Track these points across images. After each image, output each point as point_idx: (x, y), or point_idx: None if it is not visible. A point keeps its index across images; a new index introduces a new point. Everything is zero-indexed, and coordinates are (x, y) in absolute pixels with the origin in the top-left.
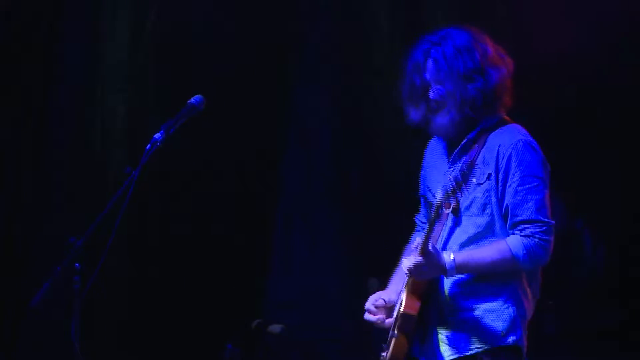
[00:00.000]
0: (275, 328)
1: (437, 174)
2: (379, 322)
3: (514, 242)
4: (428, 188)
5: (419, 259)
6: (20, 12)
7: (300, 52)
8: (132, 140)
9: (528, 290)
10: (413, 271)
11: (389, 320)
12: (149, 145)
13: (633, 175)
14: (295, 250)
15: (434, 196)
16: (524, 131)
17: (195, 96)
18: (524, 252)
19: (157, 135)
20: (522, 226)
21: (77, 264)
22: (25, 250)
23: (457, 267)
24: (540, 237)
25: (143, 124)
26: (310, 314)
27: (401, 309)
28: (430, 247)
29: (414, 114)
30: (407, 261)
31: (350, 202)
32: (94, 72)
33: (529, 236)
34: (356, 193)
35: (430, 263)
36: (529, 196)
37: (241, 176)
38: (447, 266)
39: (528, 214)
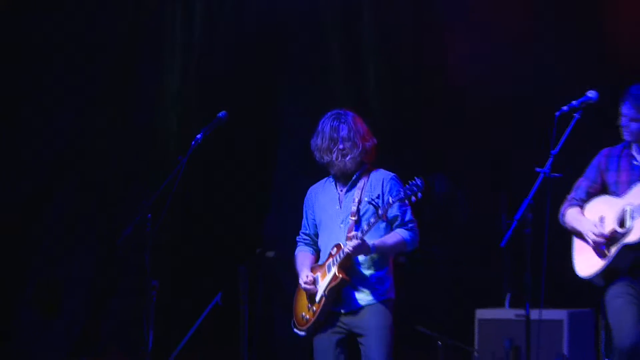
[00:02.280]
0: (270, 254)
1: (329, 204)
2: (312, 289)
3: (403, 232)
4: (321, 212)
5: (359, 242)
6: (106, 58)
7: (288, 80)
8: (182, 139)
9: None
10: (355, 250)
11: (314, 288)
12: (193, 142)
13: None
14: (283, 206)
15: (327, 216)
16: (389, 172)
17: (222, 112)
18: (410, 238)
19: (198, 136)
20: (407, 224)
21: (149, 215)
22: (117, 208)
23: (376, 249)
24: (415, 229)
25: (189, 128)
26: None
27: (337, 277)
28: (365, 239)
29: (327, 158)
30: (351, 244)
31: (319, 176)
32: (159, 96)
33: (410, 229)
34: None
35: (365, 246)
36: (404, 208)
37: (250, 161)
38: (371, 248)
39: (407, 217)
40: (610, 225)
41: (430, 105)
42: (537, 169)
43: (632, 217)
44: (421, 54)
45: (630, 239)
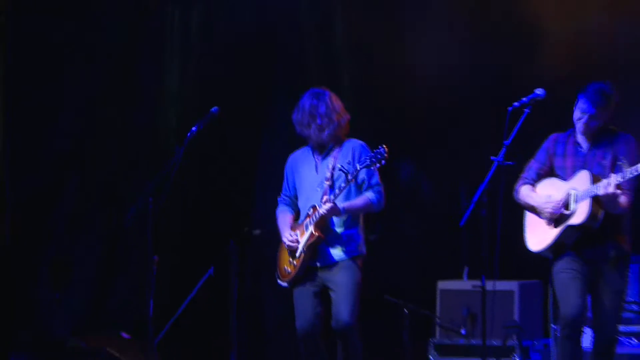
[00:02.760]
0: (256, 232)
1: (307, 170)
2: (294, 246)
3: (370, 195)
4: (299, 177)
5: (332, 205)
6: (108, 59)
7: (278, 79)
8: (180, 131)
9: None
10: (328, 212)
11: (297, 245)
12: (189, 134)
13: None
14: (269, 191)
15: (305, 180)
16: (359, 140)
17: (214, 107)
18: (375, 199)
19: (193, 128)
20: (373, 187)
21: (150, 198)
22: (123, 192)
23: (346, 210)
24: (381, 192)
25: (185, 122)
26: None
27: (314, 235)
28: (335, 202)
29: (307, 132)
30: (325, 207)
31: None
32: (160, 95)
33: (376, 192)
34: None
35: (336, 209)
36: (371, 172)
37: (240, 153)
38: (341, 210)
39: (374, 181)
40: (557, 206)
41: (402, 104)
42: (492, 158)
43: (576, 201)
44: (393, 56)
45: (574, 221)
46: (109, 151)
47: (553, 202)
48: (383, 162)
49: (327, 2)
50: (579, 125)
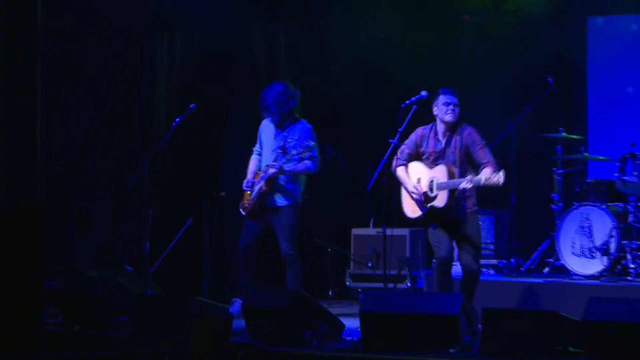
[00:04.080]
0: (222, 194)
1: (269, 136)
2: (250, 190)
3: (308, 163)
4: (264, 138)
5: (276, 170)
6: (119, 69)
7: (235, 83)
8: (167, 123)
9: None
10: (275, 174)
11: (252, 189)
12: (174, 123)
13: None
14: (232, 164)
15: (267, 142)
16: (308, 125)
17: (192, 104)
18: (312, 166)
19: (177, 119)
20: (312, 158)
21: (146, 168)
22: (127, 164)
23: (289, 172)
24: (317, 160)
25: (171, 117)
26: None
27: (263, 188)
28: (282, 166)
29: (265, 115)
30: (271, 170)
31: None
32: (154, 95)
33: (313, 161)
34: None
35: (282, 171)
36: (311, 148)
37: (212, 134)
38: (286, 171)
39: (314, 154)
40: (423, 188)
41: (327, 101)
42: (390, 140)
43: (438, 188)
44: (321, 64)
45: (437, 204)
46: (117, 135)
47: (419, 191)
48: (307, 154)
49: (272, 27)
50: (449, 115)
